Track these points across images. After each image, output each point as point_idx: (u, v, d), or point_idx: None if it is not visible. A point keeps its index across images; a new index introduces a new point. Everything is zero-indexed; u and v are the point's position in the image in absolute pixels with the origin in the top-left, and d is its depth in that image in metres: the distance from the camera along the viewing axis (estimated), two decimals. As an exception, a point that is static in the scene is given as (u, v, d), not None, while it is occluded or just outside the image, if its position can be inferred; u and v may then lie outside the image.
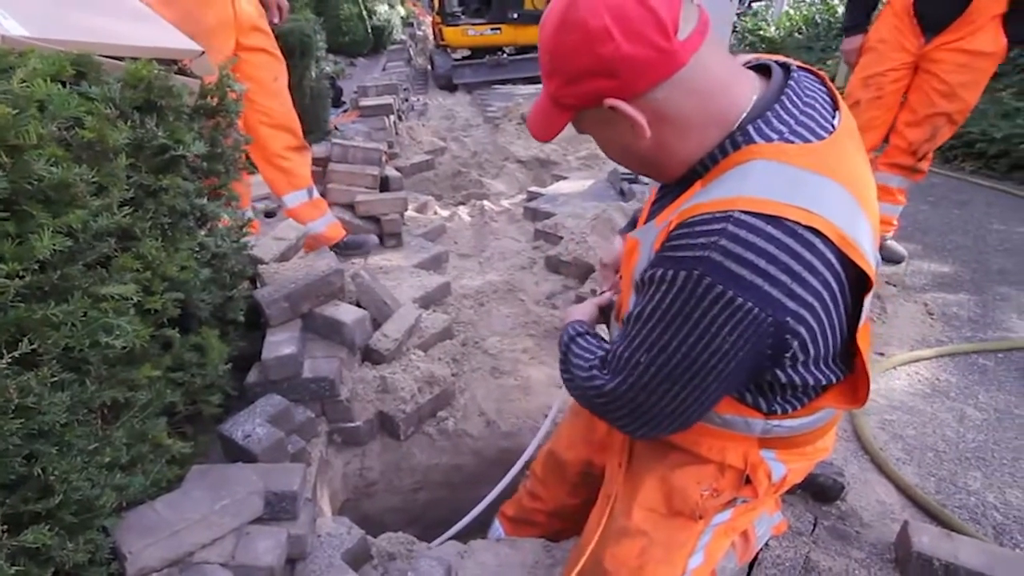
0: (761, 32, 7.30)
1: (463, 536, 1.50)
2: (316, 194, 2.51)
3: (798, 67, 0.82)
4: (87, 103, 0.95)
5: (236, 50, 2.10)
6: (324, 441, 1.71)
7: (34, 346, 0.81)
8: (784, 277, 0.68)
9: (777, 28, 7.22)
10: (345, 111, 5.02)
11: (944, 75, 2.27)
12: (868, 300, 0.76)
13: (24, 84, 0.87)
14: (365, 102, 4.21)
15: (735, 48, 6.90)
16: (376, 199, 2.81)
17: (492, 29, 7.12)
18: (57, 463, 0.83)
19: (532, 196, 3.50)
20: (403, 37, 8.79)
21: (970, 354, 2.10)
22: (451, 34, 7.17)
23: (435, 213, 3.45)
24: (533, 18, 6.72)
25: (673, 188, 0.84)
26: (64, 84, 0.95)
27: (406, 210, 2.93)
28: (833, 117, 0.77)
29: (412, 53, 8.52)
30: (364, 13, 7.53)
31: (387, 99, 4.28)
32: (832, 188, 0.71)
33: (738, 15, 7.62)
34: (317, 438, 1.67)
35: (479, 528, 1.56)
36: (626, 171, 3.28)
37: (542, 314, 2.32)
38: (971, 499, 1.53)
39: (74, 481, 0.85)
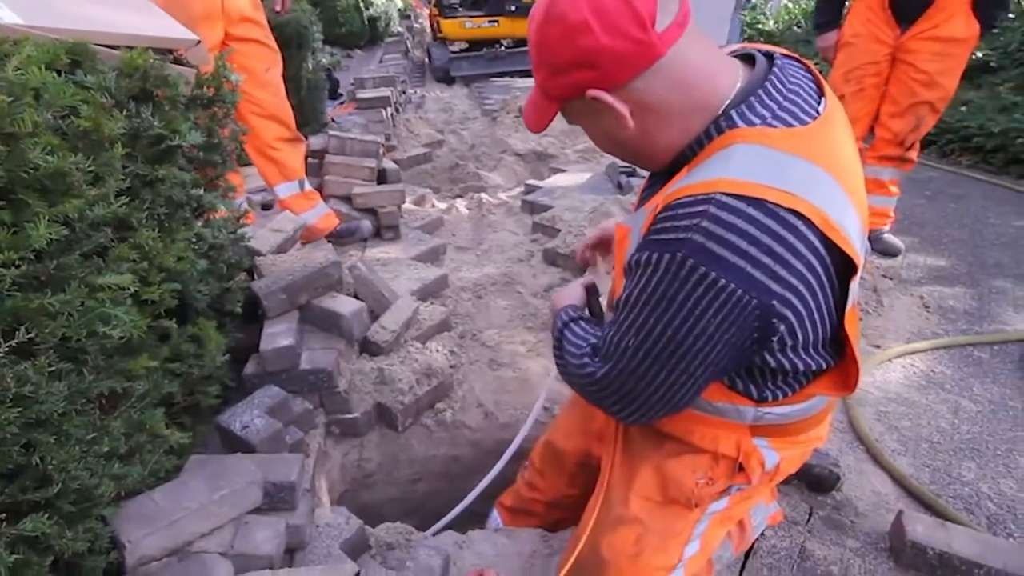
0: (760, 26, 7.29)
1: (461, 526, 1.51)
2: (308, 186, 2.50)
3: (782, 55, 0.83)
4: (82, 92, 0.94)
5: (227, 40, 2.09)
6: (322, 432, 1.71)
7: (31, 335, 0.80)
8: (767, 259, 0.68)
9: (776, 22, 7.20)
10: (342, 103, 5.00)
11: (922, 64, 2.30)
12: (854, 285, 0.76)
13: (19, 72, 0.86)
14: (362, 94, 4.19)
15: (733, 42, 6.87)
16: (373, 192, 2.80)
17: (489, 22, 7.08)
18: (55, 452, 0.83)
19: (530, 189, 3.49)
20: (400, 29, 8.74)
21: (965, 346, 2.11)
22: (448, 26, 7.13)
23: (433, 206, 3.44)
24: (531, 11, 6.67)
25: (662, 175, 0.85)
26: (59, 73, 0.94)
27: (403, 203, 2.92)
28: (818, 103, 0.78)
29: (409, 45, 8.48)
30: (361, 4, 7.48)
31: (384, 91, 4.26)
32: (815, 172, 0.72)
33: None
34: (315, 429, 1.67)
35: (477, 519, 1.57)
36: (624, 164, 3.28)
37: (540, 307, 2.32)
38: (965, 489, 1.55)
39: (72, 470, 0.85)
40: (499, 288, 2.46)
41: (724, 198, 0.69)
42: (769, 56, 0.82)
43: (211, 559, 1.02)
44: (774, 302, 0.70)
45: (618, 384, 0.84)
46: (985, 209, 3.21)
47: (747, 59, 0.83)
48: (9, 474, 0.79)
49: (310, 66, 3.61)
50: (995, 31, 3.44)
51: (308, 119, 3.60)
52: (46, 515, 0.80)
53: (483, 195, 3.59)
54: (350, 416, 1.76)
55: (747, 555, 1.32)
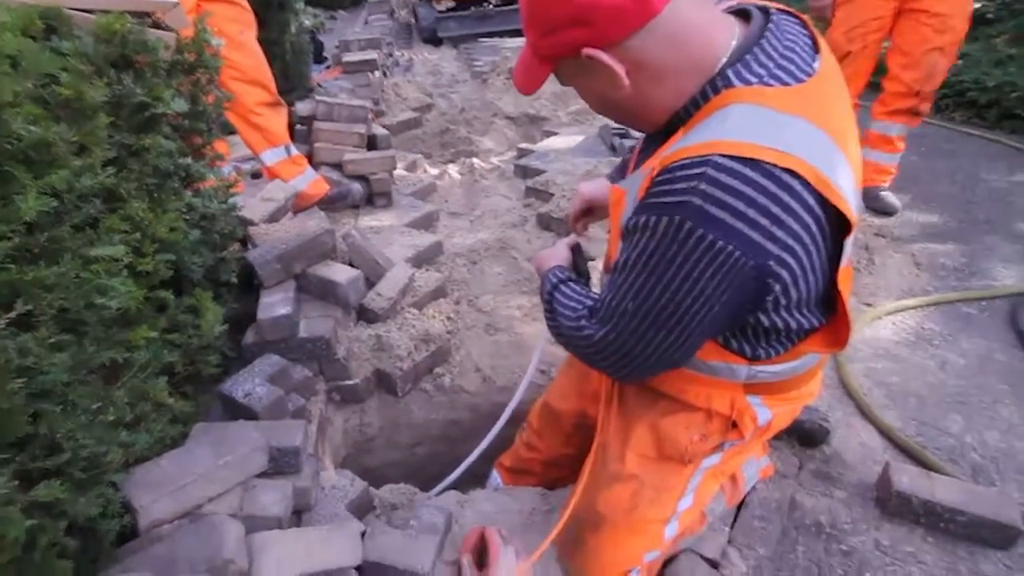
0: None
1: (463, 487, 1.55)
2: (294, 151, 2.46)
3: (778, 10, 0.81)
4: (61, 59, 0.91)
5: (201, 3, 2.01)
6: (323, 399, 1.74)
7: (29, 308, 0.81)
8: (764, 220, 0.69)
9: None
10: (328, 67, 4.86)
11: (933, 8, 2.27)
12: (849, 242, 0.77)
13: (-6, 38, 0.83)
14: (348, 57, 4.07)
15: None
16: (364, 158, 2.76)
17: (477, -22, 6.85)
18: (62, 422, 0.85)
19: (522, 153, 3.45)
20: (385, -12, 8.44)
21: (955, 303, 2.14)
22: (435, -16, 6.89)
23: (424, 171, 3.40)
24: None
25: (657, 137, 0.84)
26: (34, 39, 0.91)
27: (395, 169, 2.88)
28: (814, 60, 0.77)
29: (394, 5, 8.21)
30: (343, -38, 7.19)
31: (371, 54, 4.14)
32: (811, 131, 0.72)
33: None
34: (316, 396, 1.70)
35: (478, 480, 1.61)
36: (617, 126, 3.24)
37: (535, 271, 2.33)
38: (950, 441, 1.60)
39: (80, 439, 0.86)
40: (493, 253, 2.46)
41: (721, 159, 0.69)
42: (765, 11, 0.81)
43: (220, 519, 1.05)
44: (770, 262, 0.71)
45: (617, 345, 0.85)
46: (977, 165, 3.21)
47: (742, 15, 0.82)
48: (19, 443, 0.80)
49: (293, 29, 3.49)
50: None
51: (294, 84, 3.50)
52: (58, 482, 0.82)
53: (475, 160, 3.55)
54: (350, 383, 1.78)
55: (739, 507, 1.37)
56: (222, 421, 1.37)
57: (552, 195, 2.74)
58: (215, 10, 2.05)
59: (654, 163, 0.78)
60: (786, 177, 0.69)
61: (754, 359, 0.91)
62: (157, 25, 1.29)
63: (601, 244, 2.25)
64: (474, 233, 2.68)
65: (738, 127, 0.70)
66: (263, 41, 2.38)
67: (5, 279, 0.79)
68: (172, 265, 1.21)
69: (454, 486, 1.57)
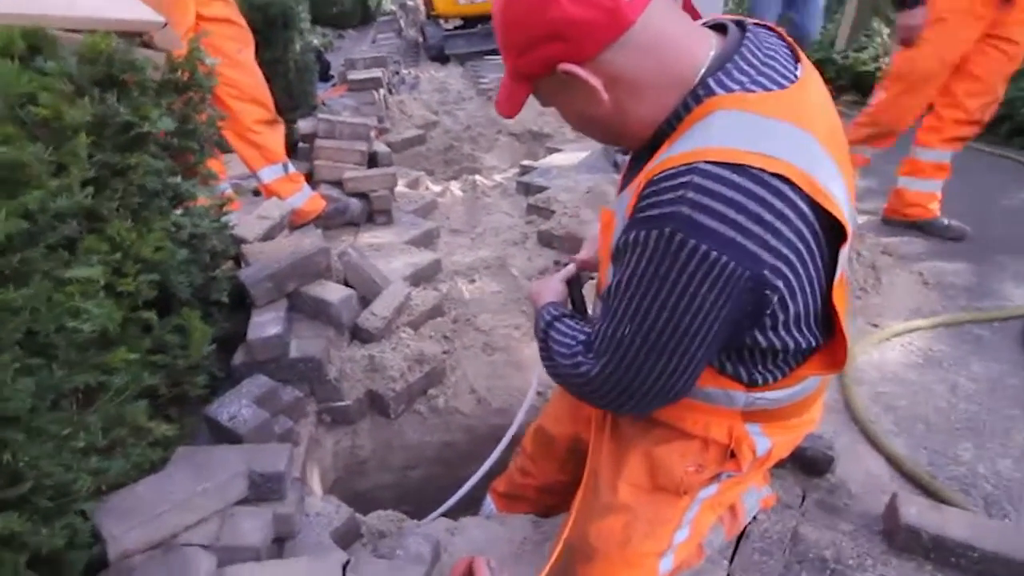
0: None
1: (454, 513, 1.51)
2: (292, 168, 2.47)
3: (754, 23, 0.81)
4: (40, 79, 0.91)
5: (198, 21, 2.03)
6: (313, 421, 1.70)
7: (-5, 332, 0.78)
8: (757, 228, 0.66)
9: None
10: (334, 85, 4.92)
11: (1015, 36, 2.19)
12: (843, 254, 0.74)
13: (-30, 59, 0.83)
14: (353, 75, 4.11)
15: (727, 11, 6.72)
16: (364, 175, 2.76)
17: (483, -3, 6.93)
18: (26, 449, 0.82)
19: (525, 170, 3.44)
20: (393, 8, 8.58)
21: (965, 324, 2.08)
22: (441, 3, 6.98)
23: (426, 188, 3.39)
24: None
25: (643, 154, 0.82)
26: (15, 59, 0.90)
27: (395, 186, 2.88)
28: (795, 68, 0.76)
29: (403, 24, 8.33)
30: (353, -17, 7.33)
31: (376, 72, 4.18)
32: (799, 135, 0.70)
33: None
34: (306, 418, 1.66)
35: (475, 503, 1.57)
36: (620, 142, 3.22)
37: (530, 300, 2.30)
38: (961, 469, 1.53)
39: (45, 467, 0.84)
40: (493, 272, 2.43)
41: (707, 166, 0.67)
42: (740, 24, 0.80)
43: (193, 552, 1.02)
44: (765, 272, 0.68)
45: (615, 379, 0.82)
46: (988, 181, 3.15)
47: (719, 29, 0.81)
48: (-21, 473, 0.78)
49: (298, 47, 3.53)
50: None
51: (298, 102, 3.53)
52: (18, 513, 0.78)
53: (478, 177, 3.54)
54: (341, 404, 1.75)
55: (739, 539, 1.31)
56: (208, 444, 1.34)
57: (553, 212, 2.72)
58: (213, 29, 2.06)
59: (640, 179, 0.76)
60: (776, 182, 0.66)
61: (752, 385, 0.88)
62: (147, 45, 1.29)
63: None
64: (474, 251, 2.65)
65: (722, 133, 0.69)
66: (267, 60, 2.40)
67: (-29, 302, 0.77)
68: (157, 285, 1.19)
69: (448, 512, 1.53)
